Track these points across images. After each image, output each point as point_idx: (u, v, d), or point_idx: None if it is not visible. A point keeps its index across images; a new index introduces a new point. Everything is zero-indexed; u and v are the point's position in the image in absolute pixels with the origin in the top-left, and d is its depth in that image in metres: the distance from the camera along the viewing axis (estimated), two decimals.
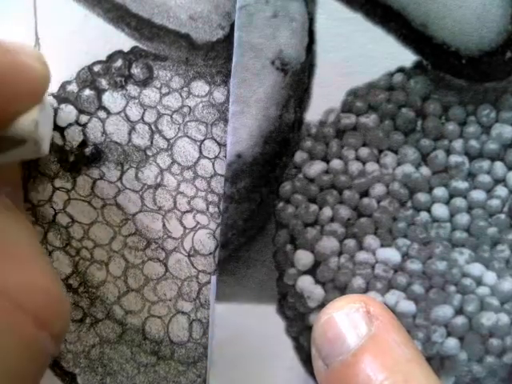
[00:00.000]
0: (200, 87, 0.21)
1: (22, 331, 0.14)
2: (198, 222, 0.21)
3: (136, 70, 0.21)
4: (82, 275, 0.21)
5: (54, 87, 0.21)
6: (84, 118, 0.21)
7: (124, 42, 0.21)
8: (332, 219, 0.21)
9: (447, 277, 0.21)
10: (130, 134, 0.21)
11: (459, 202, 0.21)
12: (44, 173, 0.21)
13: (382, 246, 0.21)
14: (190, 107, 0.21)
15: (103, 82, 0.21)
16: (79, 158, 0.21)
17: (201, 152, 0.21)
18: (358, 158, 0.21)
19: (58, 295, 0.15)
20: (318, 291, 0.21)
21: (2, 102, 0.14)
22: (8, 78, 0.14)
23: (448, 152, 0.21)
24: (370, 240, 0.21)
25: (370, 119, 0.21)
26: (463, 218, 0.21)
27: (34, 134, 0.16)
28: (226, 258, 0.21)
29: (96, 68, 0.21)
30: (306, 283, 0.21)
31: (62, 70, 0.21)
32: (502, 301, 0.21)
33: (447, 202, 0.21)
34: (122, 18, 0.21)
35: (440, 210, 0.21)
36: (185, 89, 0.21)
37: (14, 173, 0.20)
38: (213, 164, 0.21)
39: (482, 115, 0.21)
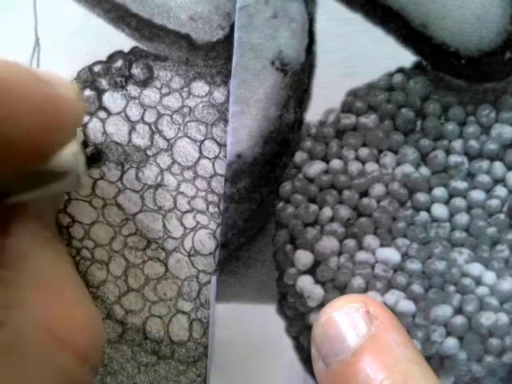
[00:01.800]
0: (200, 87, 0.21)
1: (65, 367, 0.14)
2: (198, 222, 0.21)
3: (136, 71, 0.21)
4: (83, 275, 0.21)
5: None
6: (84, 118, 0.21)
7: (124, 42, 0.21)
8: (332, 219, 0.21)
9: (447, 276, 0.21)
10: (130, 134, 0.21)
11: (459, 201, 0.21)
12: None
13: (382, 245, 0.21)
14: (190, 107, 0.21)
15: (103, 83, 0.21)
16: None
17: (201, 152, 0.21)
18: (357, 158, 0.21)
19: (96, 328, 0.15)
20: (317, 291, 0.21)
21: (44, 136, 0.14)
22: (48, 111, 0.14)
23: (447, 152, 0.21)
24: (370, 240, 0.21)
25: (369, 119, 0.21)
26: (463, 218, 0.21)
27: (74, 167, 0.16)
28: (226, 258, 0.21)
29: (96, 68, 0.21)
30: (305, 283, 0.21)
31: (62, 70, 0.21)
32: (501, 300, 0.21)
33: (447, 202, 0.21)
34: (122, 18, 0.21)
35: (439, 210, 0.21)
36: (185, 89, 0.21)
37: (51, 205, 0.20)
38: (213, 164, 0.21)
39: (481, 115, 0.21)
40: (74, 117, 0.15)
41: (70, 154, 0.16)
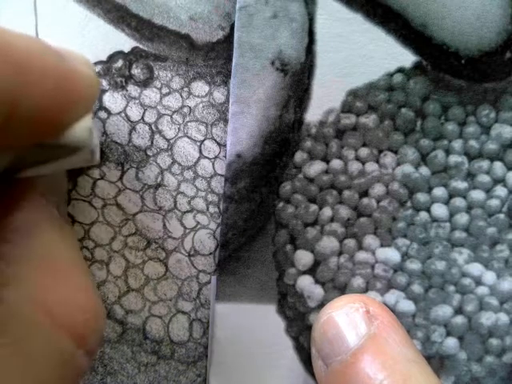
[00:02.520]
0: (200, 87, 0.21)
1: (60, 348, 0.14)
2: (198, 222, 0.21)
3: (136, 71, 0.21)
4: None
5: None
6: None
7: (124, 42, 0.21)
8: (332, 219, 0.21)
9: (446, 276, 0.21)
10: (130, 134, 0.21)
11: (459, 201, 0.21)
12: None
13: (382, 245, 0.21)
14: (190, 107, 0.21)
15: (104, 83, 0.21)
16: None
17: (201, 152, 0.21)
18: (357, 158, 0.21)
19: (96, 312, 0.15)
20: (317, 291, 0.21)
21: (58, 110, 0.14)
22: (64, 85, 0.14)
23: (447, 152, 0.21)
24: (370, 240, 0.21)
25: (369, 119, 0.21)
26: (462, 218, 0.21)
27: (88, 142, 0.16)
28: (226, 258, 0.21)
29: (96, 68, 0.21)
30: (305, 283, 0.21)
31: None
32: (501, 300, 0.21)
33: (447, 202, 0.21)
34: (123, 18, 0.21)
35: (439, 210, 0.21)
36: (185, 89, 0.21)
37: (61, 182, 0.20)
38: (213, 164, 0.21)
39: (481, 115, 0.21)
40: (90, 92, 0.15)
41: (85, 128, 0.15)
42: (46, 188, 0.17)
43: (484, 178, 0.21)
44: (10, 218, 0.15)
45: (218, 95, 0.21)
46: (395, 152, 0.21)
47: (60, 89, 0.14)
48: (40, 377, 0.13)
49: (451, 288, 0.21)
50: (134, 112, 0.21)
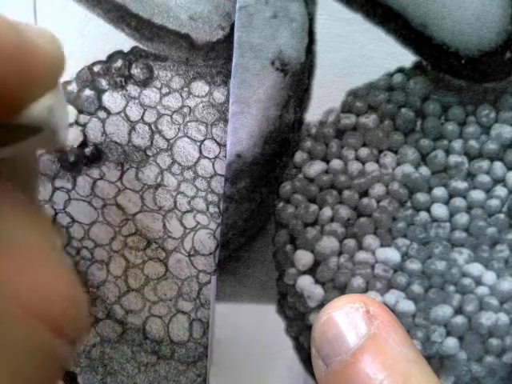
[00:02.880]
0: (200, 87, 0.21)
1: (36, 339, 0.13)
2: (198, 222, 0.21)
3: (136, 70, 0.21)
4: (83, 275, 0.21)
5: None
6: (84, 118, 0.21)
7: (124, 42, 0.21)
8: (332, 219, 0.21)
9: (446, 276, 0.21)
10: (130, 134, 0.21)
11: (459, 201, 0.21)
12: (44, 173, 0.21)
13: (382, 245, 0.21)
14: (190, 107, 0.21)
15: (103, 82, 0.21)
16: (79, 158, 0.21)
17: (201, 152, 0.21)
18: (357, 158, 0.21)
19: (75, 300, 0.14)
20: (317, 291, 0.21)
21: (14, 86, 0.13)
22: (21, 60, 0.13)
23: (447, 152, 0.21)
24: (370, 240, 0.21)
25: (369, 119, 0.21)
26: (462, 218, 0.21)
27: (48, 122, 0.15)
28: (226, 258, 0.21)
29: (96, 68, 0.21)
30: (305, 283, 0.21)
31: None
32: (501, 300, 0.21)
33: (447, 202, 0.21)
34: (122, 18, 0.21)
35: (439, 210, 0.21)
36: (185, 89, 0.21)
37: (31, 167, 0.19)
38: (213, 164, 0.21)
39: (481, 115, 0.21)
40: (50, 68, 0.14)
41: (45, 106, 0.15)
42: (11, 172, 0.16)
43: (484, 178, 0.21)
44: None
45: (218, 95, 0.21)
46: (395, 152, 0.21)
47: (16, 64, 0.13)
48: (16, 368, 0.13)
49: (451, 288, 0.21)
50: (134, 112, 0.21)
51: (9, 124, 0.14)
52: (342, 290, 0.21)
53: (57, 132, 0.15)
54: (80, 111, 0.21)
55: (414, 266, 0.21)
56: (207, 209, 0.21)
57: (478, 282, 0.21)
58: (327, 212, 0.21)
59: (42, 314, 0.13)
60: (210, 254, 0.22)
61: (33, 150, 0.17)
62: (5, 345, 0.13)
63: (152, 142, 0.21)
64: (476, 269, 0.21)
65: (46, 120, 0.15)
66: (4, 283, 0.13)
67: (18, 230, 0.14)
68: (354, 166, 0.21)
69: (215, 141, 0.21)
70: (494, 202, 0.21)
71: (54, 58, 0.14)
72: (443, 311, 0.21)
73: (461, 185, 0.21)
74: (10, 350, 0.13)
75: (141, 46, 0.21)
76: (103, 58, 0.21)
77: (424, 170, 0.21)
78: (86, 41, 0.21)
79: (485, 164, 0.21)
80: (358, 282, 0.21)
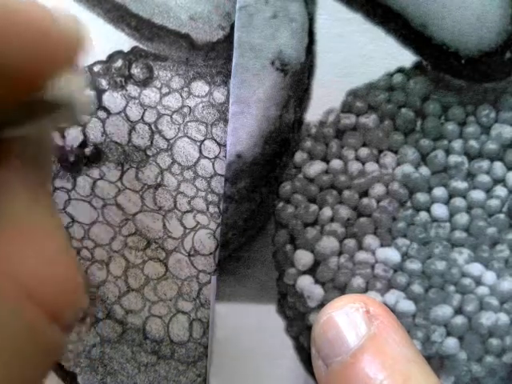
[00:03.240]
0: (200, 87, 0.21)
1: (31, 322, 0.13)
2: (198, 222, 0.21)
3: (136, 70, 0.21)
4: (83, 275, 0.21)
5: None
6: (84, 118, 0.21)
7: (124, 42, 0.21)
8: (332, 219, 0.21)
9: (446, 276, 0.21)
10: (130, 134, 0.21)
11: (459, 201, 0.21)
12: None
13: (382, 245, 0.21)
14: (190, 107, 0.21)
15: (103, 82, 0.21)
16: (79, 158, 0.21)
17: (201, 152, 0.21)
18: (357, 158, 0.21)
19: (73, 285, 0.14)
20: (317, 291, 0.21)
21: (40, 63, 0.13)
22: (47, 38, 0.13)
23: (447, 152, 0.21)
24: (370, 240, 0.21)
25: (369, 119, 0.21)
26: (462, 218, 0.21)
27: (71, 98, 0.15)
28: (226, 258, 0.21)
29: (96, 68, 0.21)
30: (305, 283, 0.21)
31: None
32: (501, 300, 0.21)
33: (447, 202, 0.21)
34: (122, 18, 0.21)
35: (439, 210, 0.21)
36: (185, 89, 0.21)
37: (44, 146, 0.19)
38: (213, 164, 0.21)
39: (481, 115, 0.21)
40: (73, 46, 0.14)
41: (67, 84, 0.15)
42: (24, 151, 0.15)
43: (484, 178, 0.21)
44: None
45: (218, 95, 0.21)
46: (395, 152, 0.21)
47: (42, 41, 0.13)
48: (7, 351, 0.13)
49: (451, 288, 0.21)
50: (134, 112, 0.21)
51: (32, 100, 0.14)
52: (342, 289, 0.21)
53: (75, 108, 0.16)
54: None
55: (413, 266, 0.21)
56: (207, 209, 0.21)
57: (478, 281, 0.21)
58: (327, 212, 0.21)
59: (39, 297, 0.13)
60: (210, 253, 0.22)
61: (53, 126, 0.17)
62: None
63: (152, 142, 0.21)
64: (476, 269, 0.21)
65: (66, 97, 0.15)
66: (3, 261, 0.13)
67: (25, 212, 0.14)
68: (354, 166, 0.21)
69: (215, 141, 0.21)
70: (494, 202, 0.21)
71: (75, 36, 0.14)
72: (443, 311, 0.21)
73: (461, 185, 0.21)
74: (1, 331, 0.12)
75: (141, 46, 0.21)
76: (103, 57, 0.21)
77: (424, 170, 0.21)
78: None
79: (485, 164, 0.21)
80: (358, 281, 0.21)
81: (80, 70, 0.16)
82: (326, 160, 0.21)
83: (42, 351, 0.13)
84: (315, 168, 0.21)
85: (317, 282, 0.21)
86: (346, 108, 0.21)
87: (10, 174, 0.14)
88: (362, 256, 0.21)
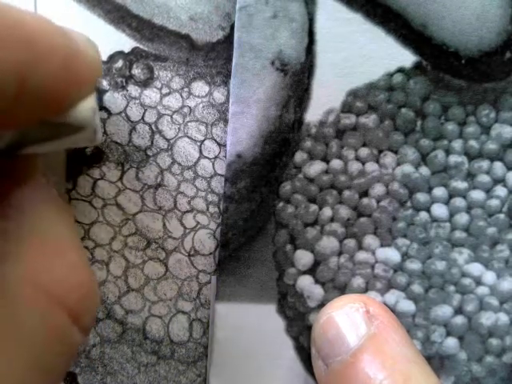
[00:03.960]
0: (200, 87, 0.21)
1: (57, 325, 0.14)
2: (198, 222, 0.21)
3: (137, 71, 0.21)
4: None
5: None
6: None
7: (125, 42, 0.21)
8: (332, 219, 0.21)
9: (446, 276, 0.21)
10: (130, 134, 0.21)
11: (459, 201, 0.21)
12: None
13: (382, 245, 0.21)
14: (190, 107, 0.21)
15: (104, 83, 0.21)
16: (80, 158, 0.21)
17: (201, 152, 0.21)
18: (357, 158, 0.21)
19: (91, 289, 0.15)
20: (317, 291, 0.21)
21: (64, 88, 0.14)
22: (71, 64, 0.14)
23: (447, 152, 0.21)
24: (370, 240, 0.21)
25: (369, 119, 0.21)
26: (463, 218, 0.21)
27: (92, 121, 0.16)
28: (226, 258, 0.21)
29: None
30: (305, 283, 0.21)
31: None
32: (501, 300, 0.21)
33: (447, 202, 0.21)
34: (123, 18, 0.21)
35: (439, 210, 0.21)
36: (185, 89, 0.21)
37: (61, 162, 0.20)
38: (213, 164, 0.21)
39: (481, 115, 0.21)
40: (94, 72, 0.15)
41: (88, 108, 0.16)
42: (46, 167, 0.17)
43: (484, 178, 0.21)
44: (10, 195, 0.15)
45: (218, 95, 0.21)
46: (395, 152, 0.21)
47: (67, 67, 0.14)
48: (38, 354, 0.14)
49: (451, 288, 0.21)
50: (134, 112, 0.21)
51: (56, 121, 0.15)
52: (342, 290, 0.21)
53: (97, 130, 0.17)
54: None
55: (413, 265, 0.21)
56: (207, 209, 0.21)
57: (478, 282, 0.21)
58: (327, 212, 0.21)
59: (63, 302, 0.14)
60: (210, 254, 0.22)
61: (73, 146, 0.18)
62: (28, 328, 0.13)
63: (152, 142, 0.21)
64: (476, 269, 0.21)
65: (89, 119, 0.16)
66: (33, 271, 0.14)
67: (49, 224, 0.15)
68: (354, 166, 0.21)
69: (215, 141, 0.21)
70: (494, 202, 0.21)
71: (95, 62, 0.15)
72: (443, 311, 0.21)
73: (461, 185, 0.21)
74: (33, 334, 0.14)
75: (141, 47, 0.21)
76: (104, 58, 0.21)
77: (424, 170, 0.21)
78: None
79: (485, 164, 0.21)
80: (358, 281, 0.21)
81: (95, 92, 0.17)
82: (326, 160, 0.21)
83: (66, 352, 0.15)
84: (315, 168, 0.21)
85: (317, 281, 0.21)
86: (346, 108, 0.21)
87: (37, 192, 0.16)
88: (362, 256, 0.21)
